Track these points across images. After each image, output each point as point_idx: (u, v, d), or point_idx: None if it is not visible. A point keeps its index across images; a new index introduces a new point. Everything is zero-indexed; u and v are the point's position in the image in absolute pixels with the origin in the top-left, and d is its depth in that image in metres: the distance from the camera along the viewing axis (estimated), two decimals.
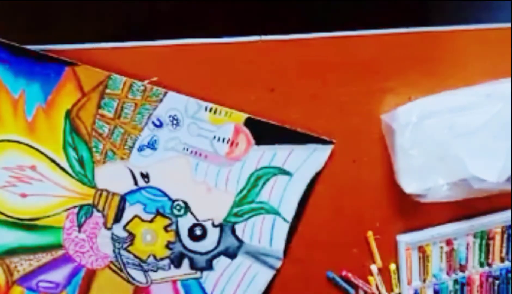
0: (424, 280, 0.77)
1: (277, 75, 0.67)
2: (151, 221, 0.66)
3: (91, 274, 0.67)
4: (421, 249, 0.76)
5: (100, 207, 0.65)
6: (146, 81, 0.63)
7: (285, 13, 0.76)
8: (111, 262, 0.67)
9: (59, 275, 0.66)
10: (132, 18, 0.75)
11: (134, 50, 0.63)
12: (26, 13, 0.72)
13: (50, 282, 0.66)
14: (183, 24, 0.64)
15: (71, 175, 0.64)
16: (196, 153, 0.66)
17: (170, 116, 0.64)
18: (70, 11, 0.75)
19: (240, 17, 0.75)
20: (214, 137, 0.66)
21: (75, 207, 0.65)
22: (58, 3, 0.73)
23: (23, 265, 0.65)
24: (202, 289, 0.69)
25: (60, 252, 0.65)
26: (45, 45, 0.61)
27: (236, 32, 0.64)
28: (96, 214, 0.65)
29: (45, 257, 0.65)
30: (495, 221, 0.77)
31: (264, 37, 0.65)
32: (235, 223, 0.68)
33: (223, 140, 0.66)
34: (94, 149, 0.64)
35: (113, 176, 0.65)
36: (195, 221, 0.67)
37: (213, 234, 0.68)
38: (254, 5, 0.75)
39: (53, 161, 0.63)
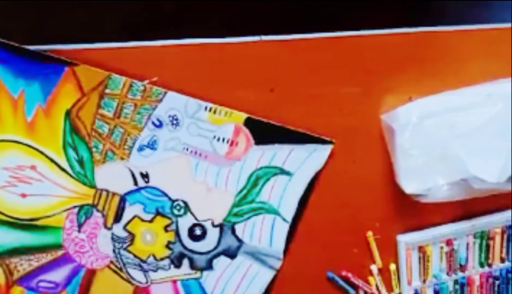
0: (424, 281, 0.77)
1: (277, 75, 0.66)
2: (151, 221, 0.66)
3: (91, 274, 0.67)
4: (421, 249, 0.76)
5: (100, 207, 0.65)
6: (146, 81, 0.63)
7: (285, 13, 0.76)
8: (111, 262, 0.67)
9: (59, 275, 0.66)
10: (133, 18, 0.75)
11: (134, 50, 0.63)
12: (25, 13, 0.72)
13: (50, 282, 0.66)
14: (183, 24, 0.63)
15: (71, 175, 0.64)
16: (196, 153, 0.66)
17: (169, 116, 0.64)
18: (71, 11, 0.75)
19: (240, 17, 0.75)
20: (214, 137, 0.66)
21: (75, 207, 0.65)
22: (58, 3, 0.73)
23: (23, 265, 0.65)
24: (202, 289, 0.69)
25: (60, 252, 0.65)
26: (44, 45, 0.61)
27: (236, 32, 0.64)
28: (96, 214, 0.65)
29: (45, 257, 0.65)
30: (495, 221, 0.77)
31: (264, 37, 0.65)
32: (235, 223, 0.68)
33: (223, 140, 0.66)
34: (94, 149, 0.64)
35: (113, 176, 0.65)
36: (195, 221, 0.67)
37: (213, 234, 0.68)
38: (254, 5, 0.75)
39: (53, 161, 0.63)
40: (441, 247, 0.76)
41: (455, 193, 0.71)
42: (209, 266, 0.69)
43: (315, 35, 0.67)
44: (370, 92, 0.70)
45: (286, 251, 0.70)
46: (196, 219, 0.67)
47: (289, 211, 0.69)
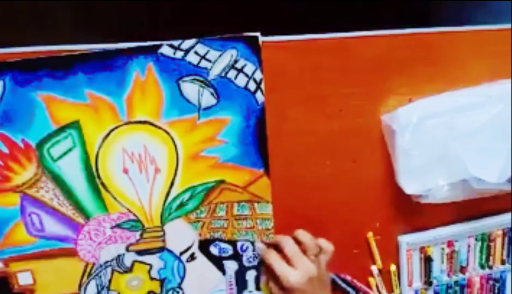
0: (425, 282, 0.77)
1: (277, 75, 0.66)
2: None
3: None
4: (422, 250, 0.75)
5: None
6: None
7: (285, 13, 0.76)
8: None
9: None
10: (132, 18, 0.75)
11: None
12: (24, 13, 0.72)
13: None
14: (184, 25, 0.63)
15: None
16: None
17: None
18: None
19: (240, 17, 0.74)
20: None
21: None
22: (56, 3, 0.73)
23: None
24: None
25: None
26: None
27: (236, 32, 0.64)
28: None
29: None
30: (496, 223, 0.77)
31: (264, 38, 0.64)
32: None
33: None
34: None
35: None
36: None
37: None
38: (254, 5, 0.75)
39: None
40: (442, 249, 0.76)
41: (455, 193, 0.71)
42: None
43: (315, 35, 0.67)
44: (370, 93, 0.70)
45: None
46: None
47: None
